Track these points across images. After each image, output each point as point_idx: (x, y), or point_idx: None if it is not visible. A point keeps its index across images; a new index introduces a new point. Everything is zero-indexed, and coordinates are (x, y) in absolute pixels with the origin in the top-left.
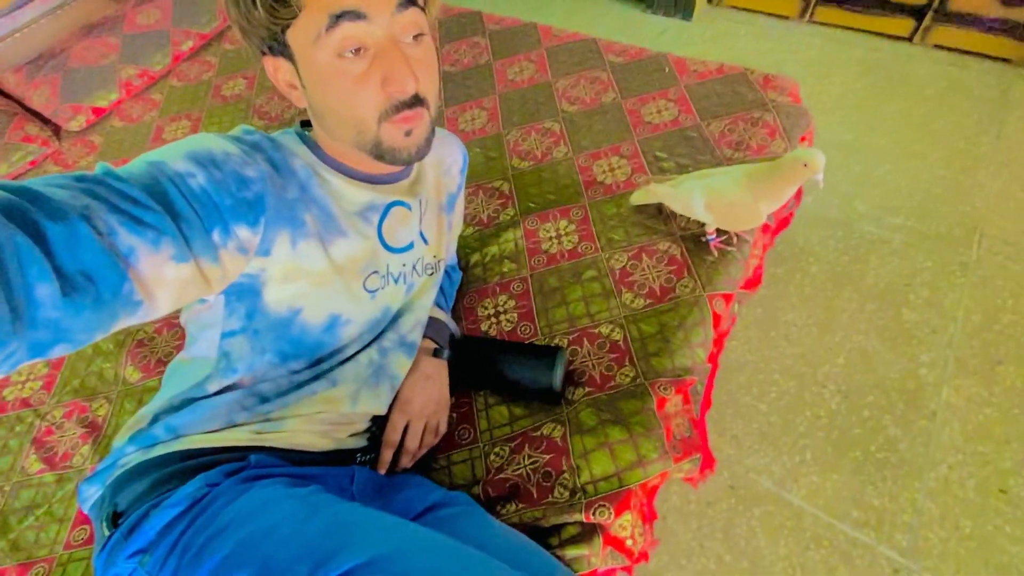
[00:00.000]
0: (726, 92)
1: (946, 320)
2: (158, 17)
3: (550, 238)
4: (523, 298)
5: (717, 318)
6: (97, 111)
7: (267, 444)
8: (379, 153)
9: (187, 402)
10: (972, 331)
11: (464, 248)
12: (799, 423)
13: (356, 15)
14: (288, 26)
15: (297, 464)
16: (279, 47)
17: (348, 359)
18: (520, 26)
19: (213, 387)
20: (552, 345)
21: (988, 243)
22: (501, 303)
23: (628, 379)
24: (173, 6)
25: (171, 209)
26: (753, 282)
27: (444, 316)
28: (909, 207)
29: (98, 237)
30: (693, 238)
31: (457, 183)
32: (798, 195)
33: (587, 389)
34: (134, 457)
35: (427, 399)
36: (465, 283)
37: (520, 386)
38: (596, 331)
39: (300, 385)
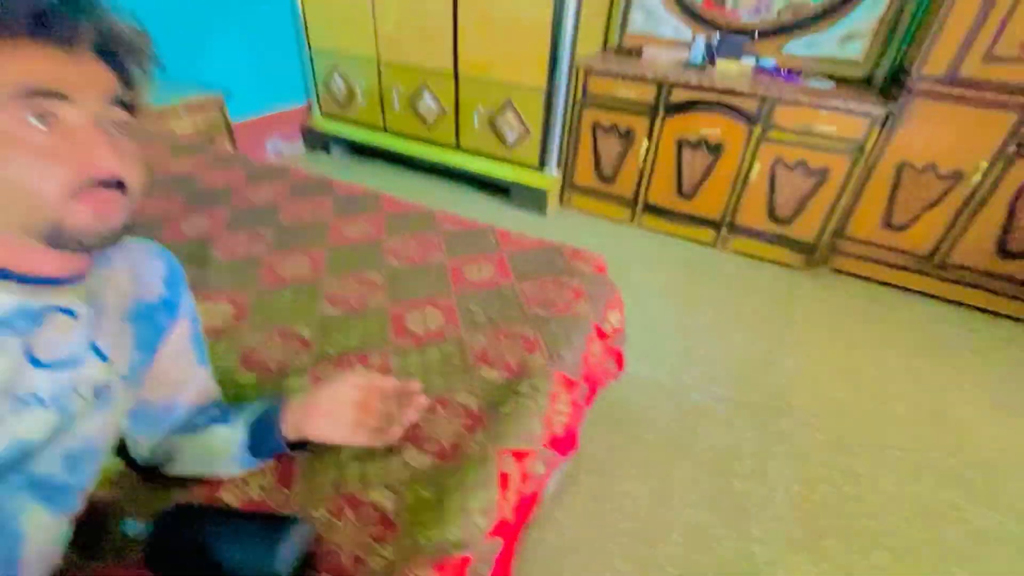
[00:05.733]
0: (540, 260)
1: (771, 490)
2: None
3: None
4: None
5: (506, 479)
6: None
7: None
8: (57, 236)
9: None
10: (795, 502)
11: (240, 398)
12: None
13: (60, 96)
14: None
15: None
16: None
17: None
18: (364, 194)
19: None
20: (285, 515)
21: (798, 414)
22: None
23: (381, 562)
24: None
25: None
26: (565, 444)
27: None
28: (728, 378)
29: None
30: (495, 388)
31: (159, 294)
32: (619, 359)
33: None
34: None
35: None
36: None
37: None
38: (365, 497)
39: None
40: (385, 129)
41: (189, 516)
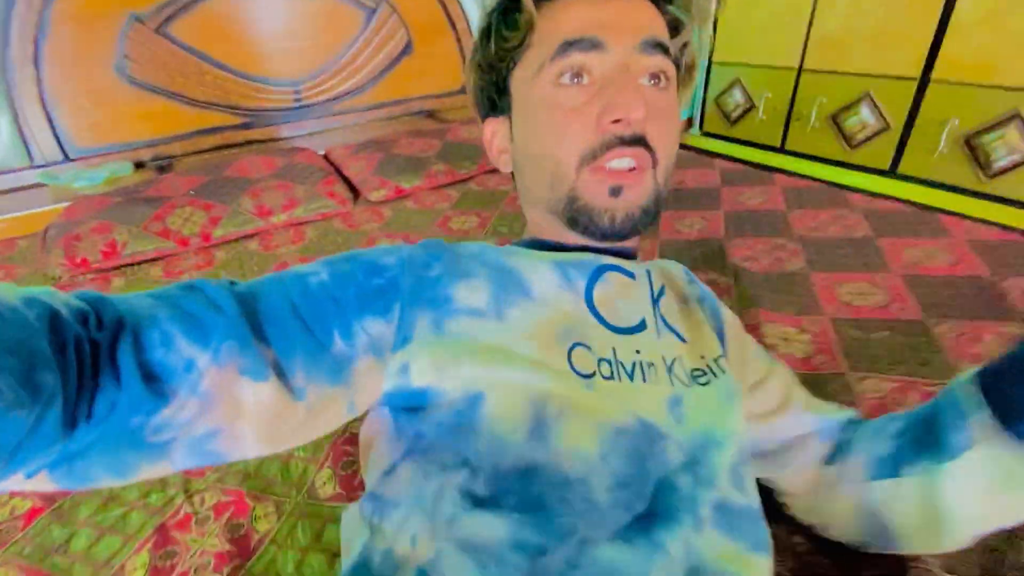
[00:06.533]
0: None
1: None
2: (478, 134)
3: None
4: None
5: None
6: (399, 190)
7: None
8: (572, 212)
9: None
10: None
11: None
12: None
13: (592, 43)
14: (514, 65)
15: None
16: (501, 98)
17: (635, 536)
18: (752, 170)
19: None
20: None
21: None
22: None
23: None
24: None
25: (252, 315)
26: None
27: None
28: None
29: (136, 351)
30: None
31: (699, 292)
32: None
33: None
34: None
35: None
36: None
37: None
38: None
39: None
40: (782, 148)
41: None
